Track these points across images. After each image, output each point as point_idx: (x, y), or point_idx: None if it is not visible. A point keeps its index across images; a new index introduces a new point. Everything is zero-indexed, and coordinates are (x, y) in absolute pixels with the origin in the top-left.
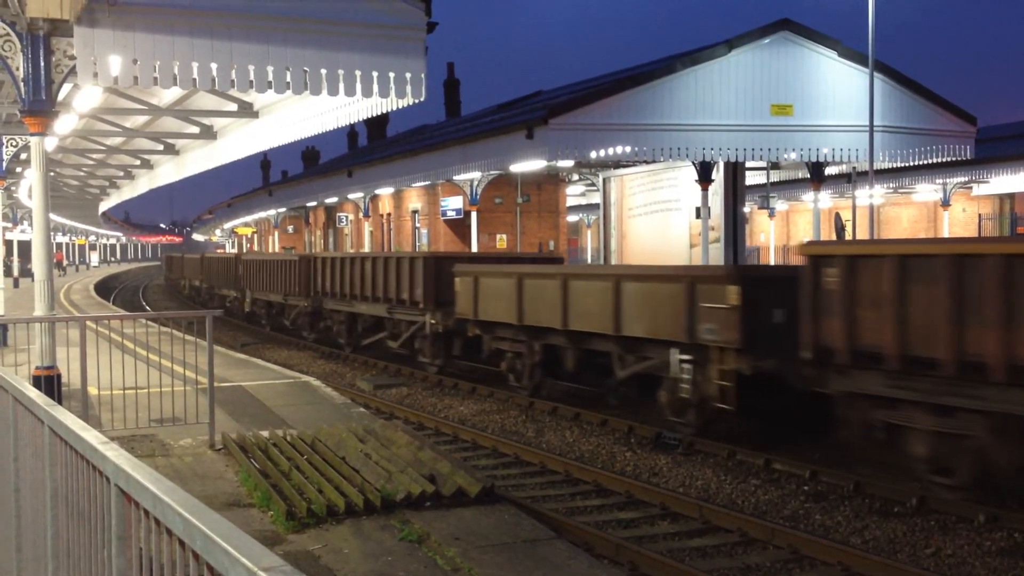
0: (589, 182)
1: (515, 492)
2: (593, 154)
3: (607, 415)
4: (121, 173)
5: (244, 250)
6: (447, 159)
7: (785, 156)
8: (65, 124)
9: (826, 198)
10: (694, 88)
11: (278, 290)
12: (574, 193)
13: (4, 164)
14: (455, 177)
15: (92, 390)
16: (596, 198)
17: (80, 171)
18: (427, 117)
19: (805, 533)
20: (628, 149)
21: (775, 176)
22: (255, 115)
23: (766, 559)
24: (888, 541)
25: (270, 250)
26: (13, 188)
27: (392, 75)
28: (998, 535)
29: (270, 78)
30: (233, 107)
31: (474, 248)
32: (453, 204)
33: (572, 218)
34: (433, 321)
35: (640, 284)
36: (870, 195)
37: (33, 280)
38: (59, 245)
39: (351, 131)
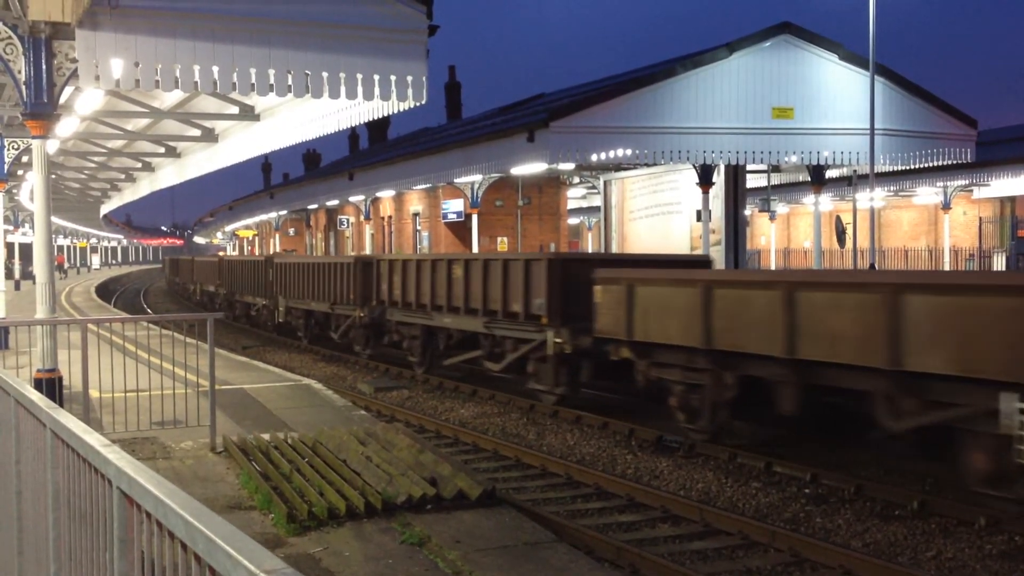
0: (590, 185)
1: (516, 495)
2: (594, 157)
3: (608, 418)
4: (122, 175)
5: (271, 250)
6: (448, 162)
7: (786, 159)
8: (67, 127)
9: (827, 201)
10: (695, 91)
11: (323, 297)
12: (575, 196)
13: (6, 167)
14: (456, 180)
15: (93, 393)
16: (597, 201)
17: (81, 174)
18: (428, 120)
19: (806, 536)
20: (629, 152)
21: (776, 179)
22: (256, 118)
23: (767, 562)
24: (889, 544)
25: (271, 251)
26: (15, 191)
27: (393, 78)
28: (999, 538)
29: (271, 81)
30: (234, 110)
31: (475, 250)
32: (454, 207)
33: (573, 221)
34: (559, 340)
35: (942, 298)
36: (871, 198)
37: (34, 283)
38: (60, 248)
39: (352, 134)
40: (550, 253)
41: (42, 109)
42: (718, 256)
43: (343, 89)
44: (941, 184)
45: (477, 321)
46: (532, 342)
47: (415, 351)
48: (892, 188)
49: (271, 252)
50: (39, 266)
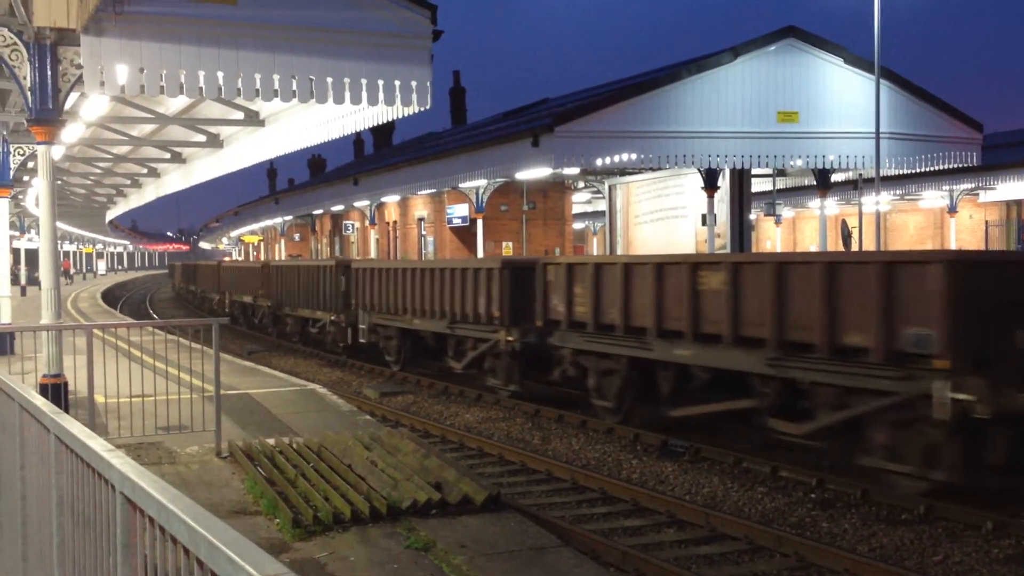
0: (595, 189)
1: (521, 500)
2: (599, 161)
3: (613, 424)
4: (128, 181)
5: (276, 256)
6: (453, 167)
7: (791, 163)
8: (72, 133)
9: (832, 205)
10: (700, 95)
11: (434, 313)
12: (580, 200)
13: (11, 173)
14: (461, 185)
15: (99, 398)
16: (602, 205)
17: (87, 180)
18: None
19: (812, 541)
20: (634, 156)
21: (781, 183)
22: (261, 123)
23: (773, 567)
24: (895, 548)
25: (277, 257)
26: (20, 197)
27: (398, 83)
28: (1006, 542)
29: (276, 86)
30: (239, 115)
31: (479, 255)
32: (459, 212)
33: (578, 225)
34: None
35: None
36: (876, 202)
37: (40, 288)
38: (66, 253)
39: (357, 139)
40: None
41: (47, 115)
42: None
43: (348, 94)
44: (947, 188)
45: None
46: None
47: (609, 393)
48: (898, 192)
49: (331, 254)
50: (45, 272)
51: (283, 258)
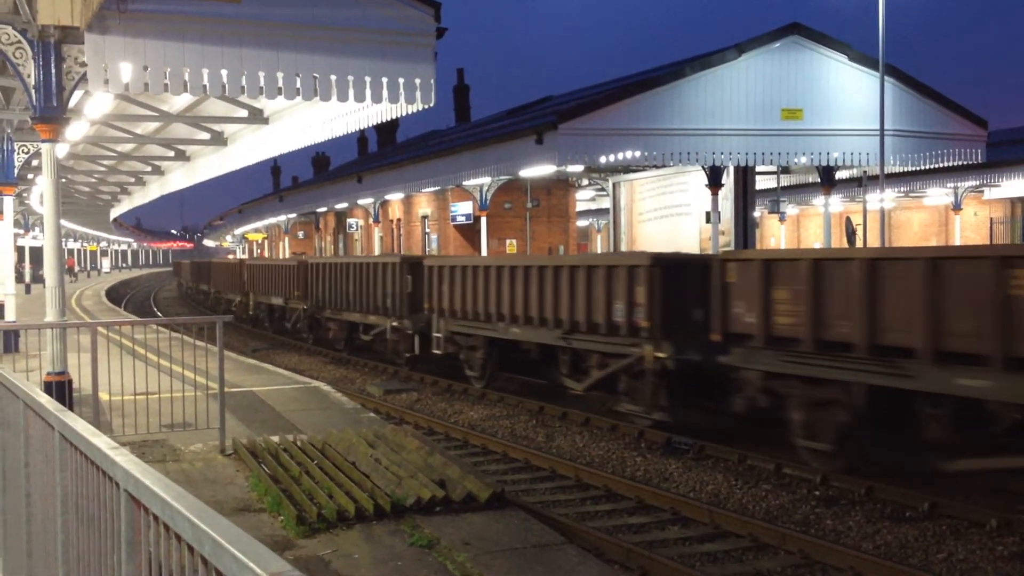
0: (599, 187)
1: (525, 497)
2: (603, 159)
3: (617, 420)
4: (132, 179)
5: (280, 253)
6: (457, 164)
7: (795, 160)
8: (76, 131)
9: (837, 202)
10: (704, 93)
11: (544, 320)
12: (584, 198)
13: (16, 171)
14: (465, 182)
15: (103, 395)
16: (606, 203)
17: (91, 177)
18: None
19: (816, 538)
20: (638, 154)
21: (785, 180)
22: (265, 121)
23: (777, 564)
24: (900, 546)
25: (281, 254)
26: (25, 194)
27: (402, 81)
28: (1010, 540)
29: (280, 84)
30: (243, 113)
31: (483, 253)
32: (463, 209)
33: (582, 223)
34: None
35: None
36: (881, 199)
37: (44, 286)
38: (70, 251)
39: (361, 137)
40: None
41: (51, 113)
42: None
43: (351, 92)
44: (952, 185)
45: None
46: None
47: (826, 433)
48: (902, 189)
49: (334, 252)
50: (49, 270)
51: (325, 255)
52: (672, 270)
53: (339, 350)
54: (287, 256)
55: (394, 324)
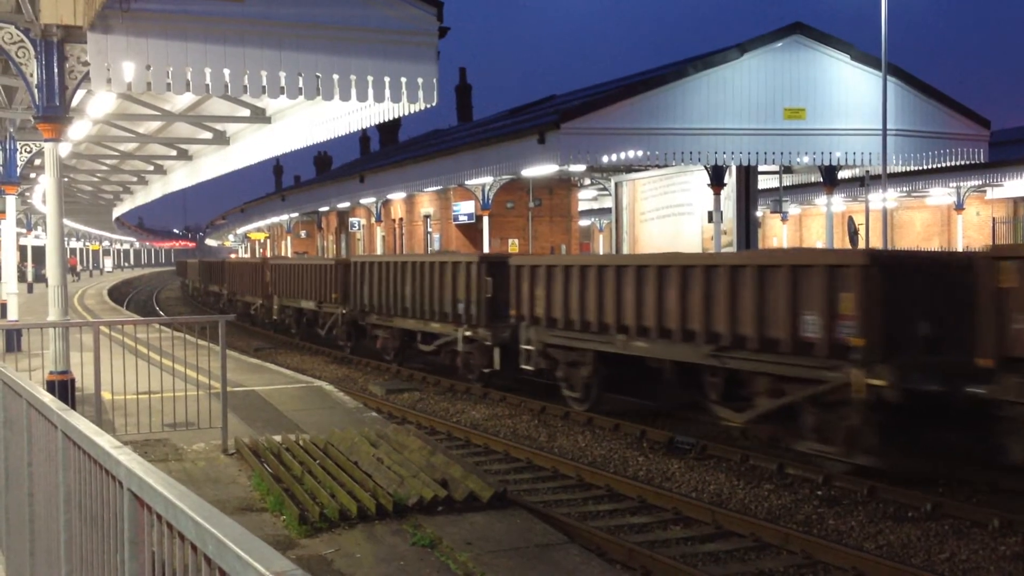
0: (601, 186)
1: (527, 497)
2: (605, 158)
3: (619, 420)
4: (135, 178)
5: (283, 252)
6: (459, 164)
7: (798, 160)
8: (79, 130)
9: (839, 202)
10: (706, 92)
11: (779, 345)
12: (586, 197)
13: (18, 170)
14: (467, 182)
15: (106, 395)
16: (608, 202)
17: (94, 177)
18: (439, 122)
19: (819, 538)
20: (640, 153)
21: (788, 180)
22: (268, 120)
23: (779, 564)
24: (902, 546)
25: (284, 253)
26: (27, 194)
27: (404, 80)
28: (1013, 540)
29: (283, 83)
30: (246, 112)
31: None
32: (465, 208)
33: (584, 222)
34: None
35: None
36: (883, 199)
37: (47, 285)
38: (73, 250)
39: (363, 136)
40: None
41: (54, 112)
42: None
43: (354, 91)
44: (954, 184)
45: None
46: None
47: None
48: (905, 188)
49: (336, 251)
50: (51, 269)
51: (363, 254)
52: (894, 272)
53: (388, 361)
54: (299, 253)
55: (467, 334)
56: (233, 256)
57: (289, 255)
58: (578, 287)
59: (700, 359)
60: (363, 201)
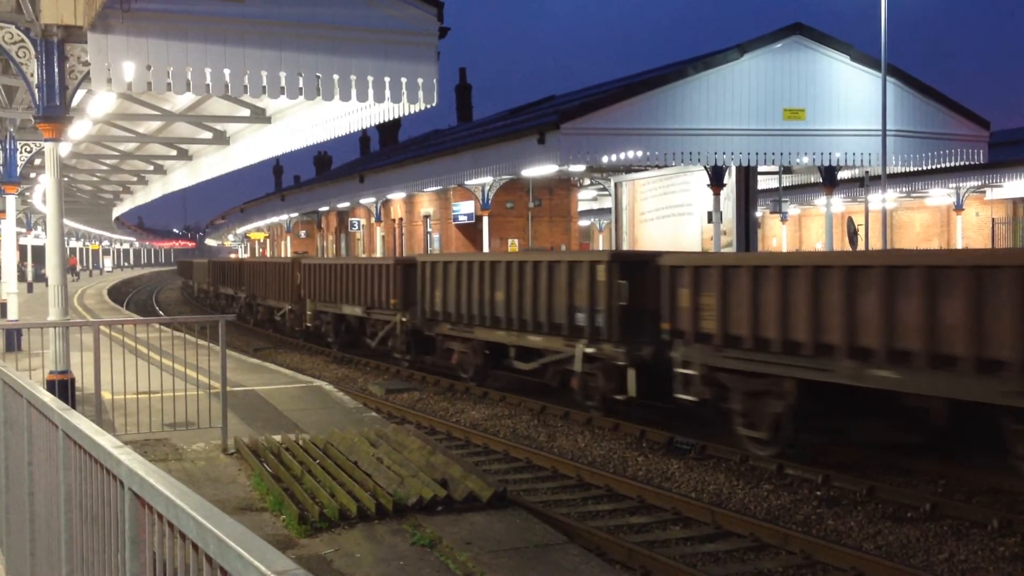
0: (601, 186)
1: (527, 497)
2: (605, 158)
3: (619, 420)
4: (134, 178)
5: (282, 252)
6: (459, 164)
7: (797, 160)
8: (79, 130)
9: (838, 202)
10: (706, 93)
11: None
12: (586, 198)
13: (18, 169)
14: (467, 182)
15: (106, 394)
16: (608, 202)
17: (94, 176)
18: (439, 122)
19: (818, 538)
20: (640, 154)
21: (787, 180)
22: (268, 120)
23: (779, 564)
24: (901, 546)
25: (283, 254)
26: (27, 193)
27: (404, 80)
28: (1012, 540)
29: (283, 84)
30: (246, 112)
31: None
32: (465, 209)
33: (584, 223)
34: None
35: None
36: (883, 199)
37: (47, 285)
38: (72, 250)
39: (363, 136)
40: None
41: (54, 112)
42: None
43: (354, 91)
44: (953, 185)
45: None
46: None
47: None
48: (904, 189)
49: (336, 251)
50: (51, 269)
51: (434, 252)
52: None
53: (467, 379)
54: (298, 253)
55: (589, 351)
56: (244, 256)
57: (289, 255)
58: (776, 295)
59: (999, 399)
60: (363, 201)
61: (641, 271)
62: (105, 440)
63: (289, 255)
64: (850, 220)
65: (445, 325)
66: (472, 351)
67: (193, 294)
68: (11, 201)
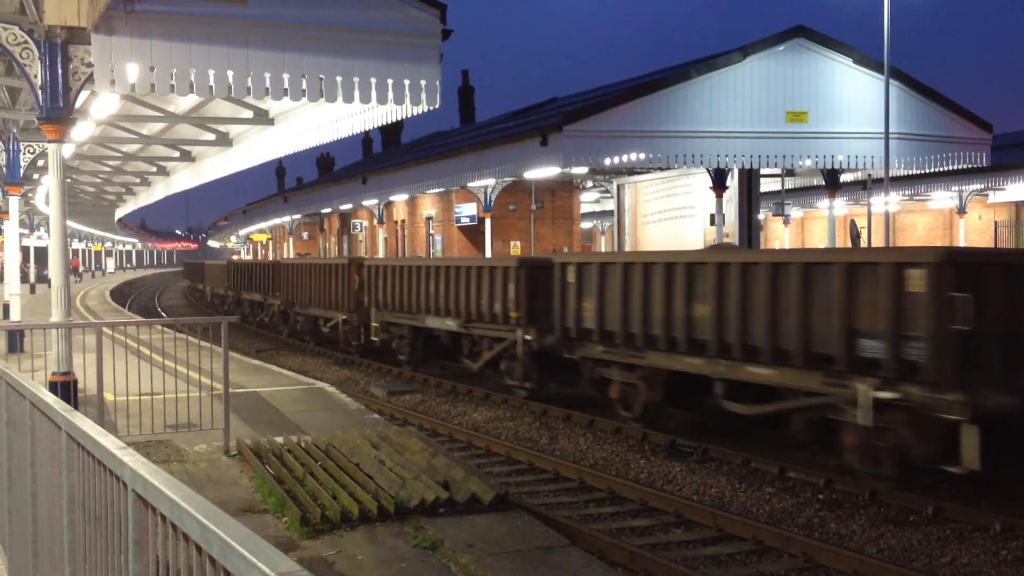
0: (603, 189)
1: (529, 499)
2: (607, 161)
3: (621, 423)
4: (137, 180)
5: (284, 255)
6: (461, 166)
7: (800, 163)
8: (82, 131)
9: (841, 205)
10: (709, 95)
11: None
12: (588, 200)
13: (22, 171)
14: (469, 184)
15: (108, 396)
16: (610, 205)
17: (97, 178)
18: (441, 124)
19: (820, 542)
20: (642, 156)
21: (790, 183)
22: (271, 122)
23: (781, 567)
24: (904, 550)
25: (286, 255)
26: (30, 194)
27: (407, 82)
28: (1014, 544)
29: (286, 85)
30: (249, 114)
31: (487, 255)
32: (467, 211)
33: (586, 225)
34: None
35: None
36: (885, 202)
37: (50, 286)
38: (75, 251)
39: (366, 138)
40: None
41: (58, 113)
42: None
43: (357, 93)
44: (956, 188)
45: None
46: None
47: None
48: (907, 192)
49: (339, 253)
50: (54, 270)
51: (582, 251)
52: None
53: (631, 420)
54: (301, 254)
55: (885, 395)
56: (269, 256)
57: (291, 256)
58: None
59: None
60: (365, 203)
61: (980, 275)
62: (108, 441)
63: (342, 255)
64: (853, 223)
65: (596, 347)
66: (646, 383)
67: (206, 300)
68: (14, 202)
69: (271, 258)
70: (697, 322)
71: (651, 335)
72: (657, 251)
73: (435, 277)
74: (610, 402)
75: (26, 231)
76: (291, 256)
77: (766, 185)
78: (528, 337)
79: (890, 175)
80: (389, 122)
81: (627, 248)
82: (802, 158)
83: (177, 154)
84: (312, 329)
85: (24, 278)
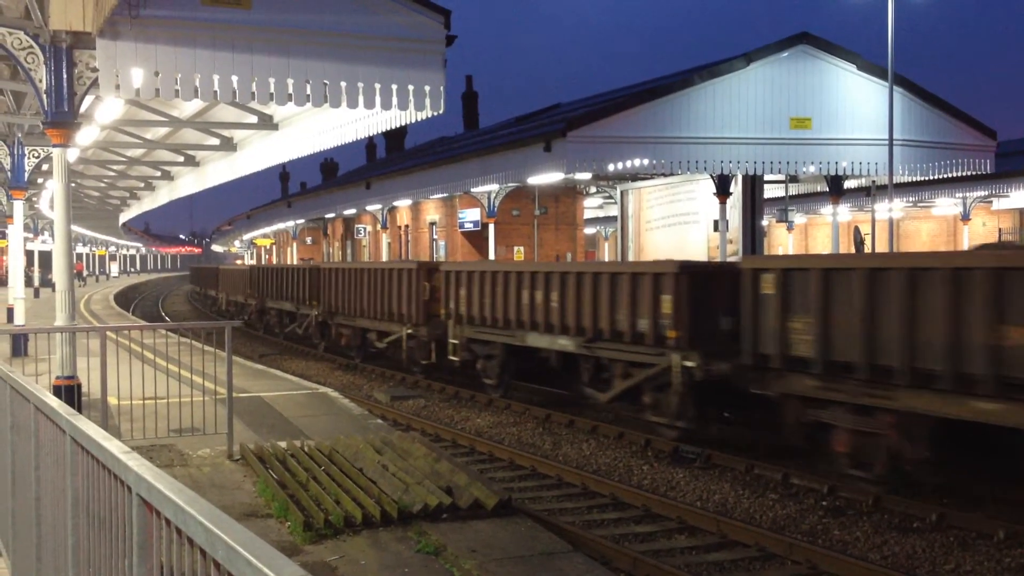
0: (607, 195)
1: (532, 505)
2: (611, 167)
3: (624, 428)
4: (142, 184)
5: (288, 259)
6: (465, 171)
7: (804, 169)
8: (87, 135)
9: (845, 212)
10: (712, 101)
11: None
12: (591, 206)
13: (26, 175)
14: (473, 189)
15: (112, 400)
16: (614, 211)
17: (101, 182)
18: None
19: (823, 548)
20: (646, 162)
21: (794, 189)
22: (275, 127)
23: (784, 574)
24: (907, 557)
25: (289, 261)
26: (35, 199)
27: (411, 88)
28: (1018, 551)
29: (290, 90)
30: (253, 119)
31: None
32: (471, 216)
33: (589, 230)
34: None
35: None
36: (889, 209)
37: (54, 290)
38: (79, 256)
39: (369, 143)
40: None
41: (62, 118)
42: None
43: (361, 99)
44: (960, 195)
45: None
46: None
47: None
48: (911, 199)
49: (342, 258)
50: (58, 274)
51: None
52: None
53: (865, 479)
54: (304, 259)
55: None
56: (313, 261)
57: (295, 261)
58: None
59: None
60: (369, 208)
61: None
62: (113, 445)
63: (295, 261)
64: (857, 229)
65: (809, 381)
66: (895, 431)
67: (220, 308)
68: (19, 207)
69: (274, 262)
70: (1011, 355)
71: (920, 369)
72: (927, 253)
73: (544, 285)
74: (823, 454)
75: (30, 235)
76: (332, 262)
77: (770, 191)
78: (689, 363)
79: (894, 182)
80: (393, 127)
81: (630, 254)
82: (806, 164)
83: (181, 159)
84: (360, 344)
85: (28, 282)
